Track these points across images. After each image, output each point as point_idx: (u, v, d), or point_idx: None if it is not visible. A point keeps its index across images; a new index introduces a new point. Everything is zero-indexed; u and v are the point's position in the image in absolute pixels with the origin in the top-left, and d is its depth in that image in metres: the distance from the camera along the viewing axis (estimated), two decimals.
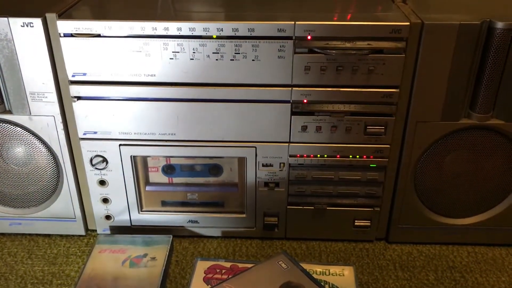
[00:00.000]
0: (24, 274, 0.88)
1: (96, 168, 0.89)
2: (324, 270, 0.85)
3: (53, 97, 0.82)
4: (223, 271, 0.84)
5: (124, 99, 0.82)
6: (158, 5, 0.88)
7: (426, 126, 0.83)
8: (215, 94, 0.81)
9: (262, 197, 0.92)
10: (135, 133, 0.85)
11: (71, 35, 0.78)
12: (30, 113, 0.84)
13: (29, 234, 0.97)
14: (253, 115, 0.83)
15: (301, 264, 0.80)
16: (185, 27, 0.76)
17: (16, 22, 0.76)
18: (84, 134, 0.86)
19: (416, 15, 0.78)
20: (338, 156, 0.87)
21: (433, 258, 0.92)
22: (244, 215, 0.94)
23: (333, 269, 0.86)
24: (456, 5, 0.86)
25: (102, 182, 0.91)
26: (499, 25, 0.74)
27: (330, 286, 0.82)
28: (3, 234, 0.97)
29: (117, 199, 0.92)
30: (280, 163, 0.88)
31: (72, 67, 0.80)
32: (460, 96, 0.81)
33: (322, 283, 0.81)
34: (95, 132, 0.86)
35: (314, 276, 0.81)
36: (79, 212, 0.94)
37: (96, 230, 0.97)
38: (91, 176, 0.90)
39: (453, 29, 0.75)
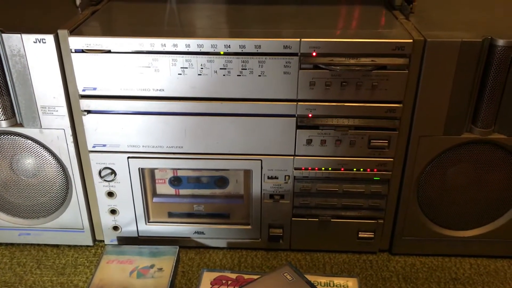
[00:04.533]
0: (33, 284, 0.90)
1: (104, 180, 0.91)
2: (328, 282, 0.86)
3: (64, 110, 0.84)
4: (229, 282, 0.85)
5: (133, 113, 0.84)
6: (165, 22, 0.90)
7: (429, 140, 0.85)
8: (222, 108, 0.83)
9: (267, 209, 0.93)
10: (143, 146, 0.87)
11: (82, 51, 0.80)
12: (41, 126, 0.86)
13: (38, 244, 0.99)
14: (259, 129, 0.85)
15: (305, 276, 0.82)
16: (193, 43, 0.78)
17: (29, 38, 0.78)
18: (93, 146, 0.88)
19: (419, 32, 0.80)
20: (342, 169, 0.88)
21: (436, 270, 0.94)
22: (249, 227, 0.96)
23: (337, 280, 0.87)
24: (458, 22, 0.88)
25: (110, 194, 0.92)
26: (500, 42, 0.76)
27: None
28: (12, 244, 0.99)
29: (124, 210, 0.94)
30: (285, 176, 0.90)
31: (83, 82, 0.82)
32: (462, 111, 0.82)
33: None
34: (104, 145, 0.87)
35: (319, 287, 0.83)
36: (87, 223, 0.96)
37: (103, 241, 0.98)
38: (100, 187, 0.92)
39: (455, 46, 0.77)
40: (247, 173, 0.91)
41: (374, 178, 0.89)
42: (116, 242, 0.98)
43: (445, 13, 0.93)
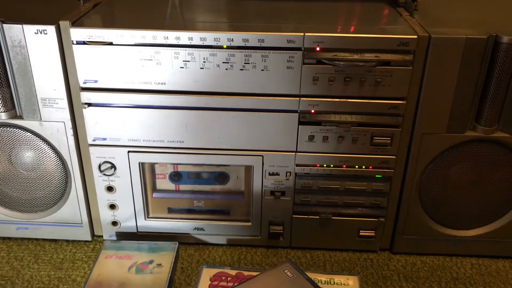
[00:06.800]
0: (31, 279, 0.89)
1: (104, 174, 0.90)
2: (328, 279, 0.86)
3: (64, 103, 0.84)
4: (229, 278, 0.85)
5: (134, 106, 0.83)
6: (167, 15, 0.90)
7: (432, 138, 0.84)
8: (224, 103, 0.82)
9: (268, 205, 0.92)
10: (144, 140, 0.86)
11: (84, 43, 0.79)
12: (41, 119, 0.85)
13: (36, 239, 0.98)
14: (261, 124, 0.84)
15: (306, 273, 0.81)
16: (196, 36, 0.77)
17: (30, 29, 0.78)
18: (94, 140, 0.87)
19: (423, 29, 0.79)
20: (344, 166, 0.87)
21: (437, 269, 0.93)
22: (249, 224, 0.95)
23: (338, 278, 0.86)
24: (462, 19, 0.87)
25: (109, 188, 0.91)
26: (505, 39, 0.76)
27: None
28: (10, 239, 0.98)
29: (124, 205, 0.93)
30: (286, 172, 0.89)
31: (84, 74, 0.81)
32: (466, 109, 0.82)
33: None
34: (105, 139, 0.87)
35: (319, 285, 0.82)
36: (86, 218, 0.95)
37: (102, 236, 0.97)
38: (99, 182, 0.91)
39: (460, 43, 0.76)
40: (248, 169, 0.90)
41: (376, 176, 0.88)
42: (115, 238, 0.97)
43: (449, 11, 0.93)
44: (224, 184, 0.93)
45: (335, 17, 0.91)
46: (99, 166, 0.89)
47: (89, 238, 0.97)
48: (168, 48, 0.78)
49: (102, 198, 0.93)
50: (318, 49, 0.77)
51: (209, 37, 0.77)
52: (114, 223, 0.95)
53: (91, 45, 0.79)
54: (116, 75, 0.81)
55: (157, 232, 0.96)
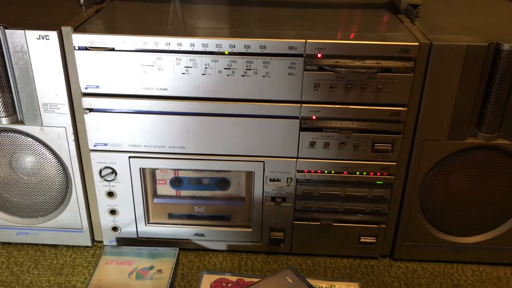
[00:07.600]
0: (30, 284, 0.88)
1: (105, 180, 0.90)
2: (329, 286, 0.85)
3: (65, 108, 0.84)
4: (229, 285, 0.84)
5: (135, 112, 0.83)
6: (169, 21, 0.90)
7: (433, 144, 0.84)
8: (226, 109, 0.82)
9: (269, 211, 0.92)
10: (145, 146, 0.86)
11: (86, 48, 0.79)
12: (42, 124, 0.85)
13: (36, 244, 0.98)
14: (262, 130, 0.84)
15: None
16: (198, 43, 0.77)
17: (32, 35, 0.78)
18: (95, 145, 0.87)
19: (425, 36, 0.79)
20: (345, 172, 0.87)
21: (438, 276, 0.93)
22: (250, 230, 0.95)
23: (339, 285, 0.86)
24: (464, 26, 0.88)
25: (110, 194, 0.91)
26: (506, 47, 0.76)
27: None
28: (9, 244, 0.98)
29: (124, 211, 0.93)
30: (287, 178, 0.89)
31: (86, 80, 0.81)
32: (467, 116, 0.82)
33: None
34: (106, 144, 0.87)
35: None
36: (86, 223, 0.95)
37: (102, 241, 0.97)
38: (100, 187, 0.91)
39: (461, 50, 0.77)
40: (249, 175, 0.90)
41: (377, 182, 0.88)
42: (115, 243, 0.96)
43: (450, 18, 0.93)
44: (225, 190, 0.93)
45: (337, 23, 0.91)
46: (100, 172, 0.89)
47: (89, 243, 0.97)
48: (170, 54, 0.78)
49: (103, 204, 0.92)
50: (319, 55, 0.77)
51: (211, 43, 0.77)
52: (115, 229, 0.95)
53: (93, 51, 0.79)
54: (118, 81, 0.81)
55: (158, 237, 0.96)
